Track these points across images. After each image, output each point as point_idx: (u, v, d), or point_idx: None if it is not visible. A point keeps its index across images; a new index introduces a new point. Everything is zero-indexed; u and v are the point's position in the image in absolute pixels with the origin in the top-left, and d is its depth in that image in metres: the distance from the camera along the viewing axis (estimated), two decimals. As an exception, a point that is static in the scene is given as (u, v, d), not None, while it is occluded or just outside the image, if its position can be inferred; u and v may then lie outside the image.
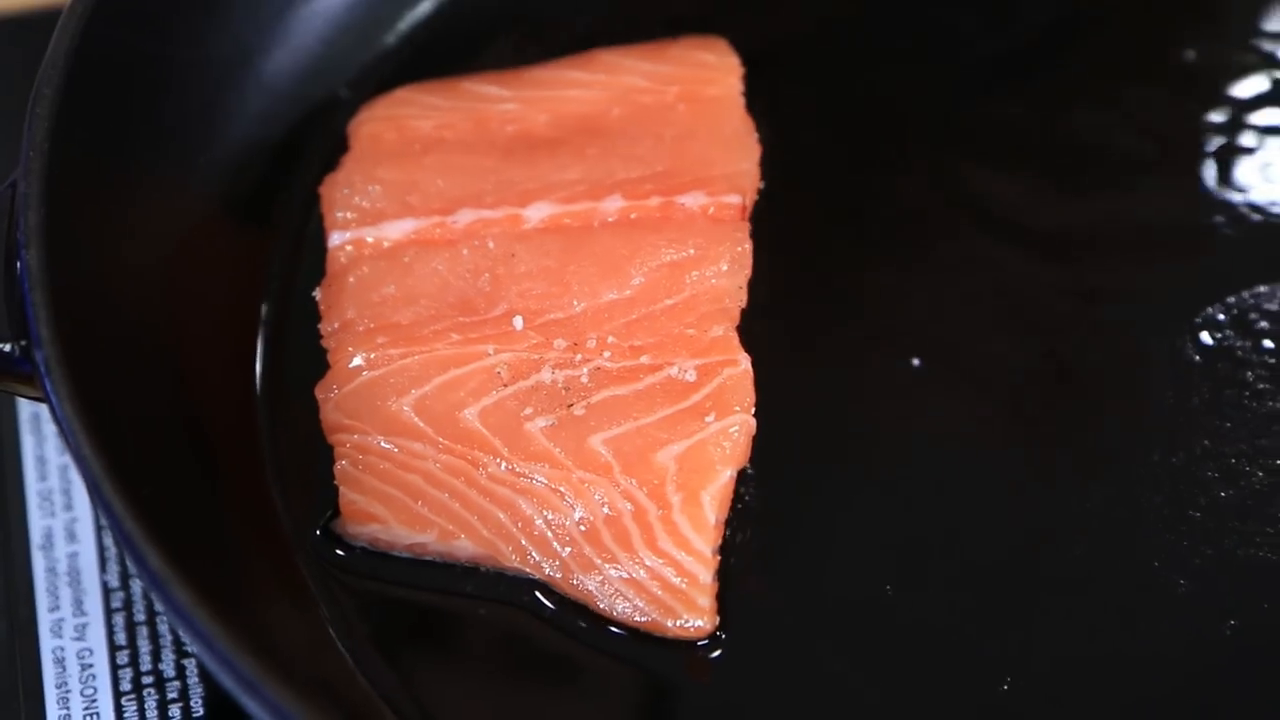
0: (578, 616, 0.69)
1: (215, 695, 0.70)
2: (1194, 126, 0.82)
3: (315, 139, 0.80)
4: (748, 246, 0.74)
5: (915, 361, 0.75)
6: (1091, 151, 0.82)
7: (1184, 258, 0.78)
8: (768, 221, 0.78)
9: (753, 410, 0.70)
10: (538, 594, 0.69)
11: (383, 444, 0.69)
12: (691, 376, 0.70)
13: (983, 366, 0.75)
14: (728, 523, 0.70)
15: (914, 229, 0.79)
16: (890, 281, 0.78)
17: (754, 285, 0.75)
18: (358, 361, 0.70)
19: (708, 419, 0.69)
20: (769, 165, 0.79)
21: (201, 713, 0.70)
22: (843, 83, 0.84)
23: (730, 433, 0.69)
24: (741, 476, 0.71)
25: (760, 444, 0.71)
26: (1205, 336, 0.74)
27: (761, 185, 0.78)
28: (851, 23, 0.86)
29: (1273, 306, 0.75)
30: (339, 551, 0.70)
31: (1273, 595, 0.69)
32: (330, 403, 0.70)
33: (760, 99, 0.81)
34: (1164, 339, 0.75)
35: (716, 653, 0.68)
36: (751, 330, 0.74)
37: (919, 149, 0.82)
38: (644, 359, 0.70)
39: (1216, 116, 0.82)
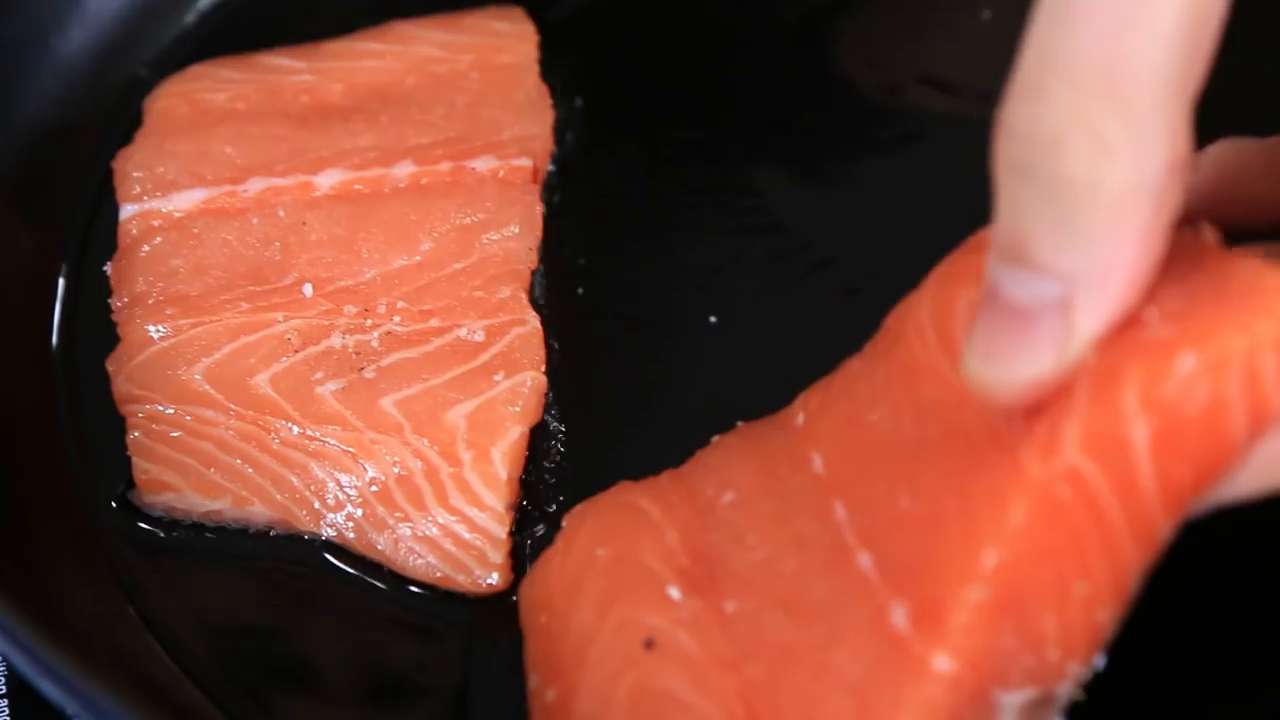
0: (373, 576, 0.69)
1: (16, 672, 0.70)
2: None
3: (113, 119, 0.80)
4: (538, 209, 0.75)
5: (711, 319, 0.76)
6: (884, 120, 0.83)
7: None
8: (566, 187, 0.79)
9: (543, 368, 0.71)
10: (334, 555, 0.69)
11: (174, 413, 0.70)
12: (480, 337, 0.71)
13: (777, 324, 0.76)
14: (525, 480, 0.71)
15: (710, 194, 0.80)
16: (686, 244, 0.78)
17: (552, 250, 0.76)
18: (148, 333, 0.71)
19: (497, 377, 0.70)
20: (567, 132, 0.80)
21: (3, 690, 0.70)
22: (643, 51, 0.85)
23: (520, 391, 0.70)
24: (542, 434, 0.72)
25: (560, 402, 0.72)
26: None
27: (556, 151, 0.79)
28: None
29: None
30: (138, 523, 0.70)
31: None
32: (121, 375, 0.71)
33: (559, 67, 0.82)
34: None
35: (512, 602, 0.68)
36: (550, 293, 0.75)
37: (718, 116, 0.83)
38: (433, 322, 0.71)
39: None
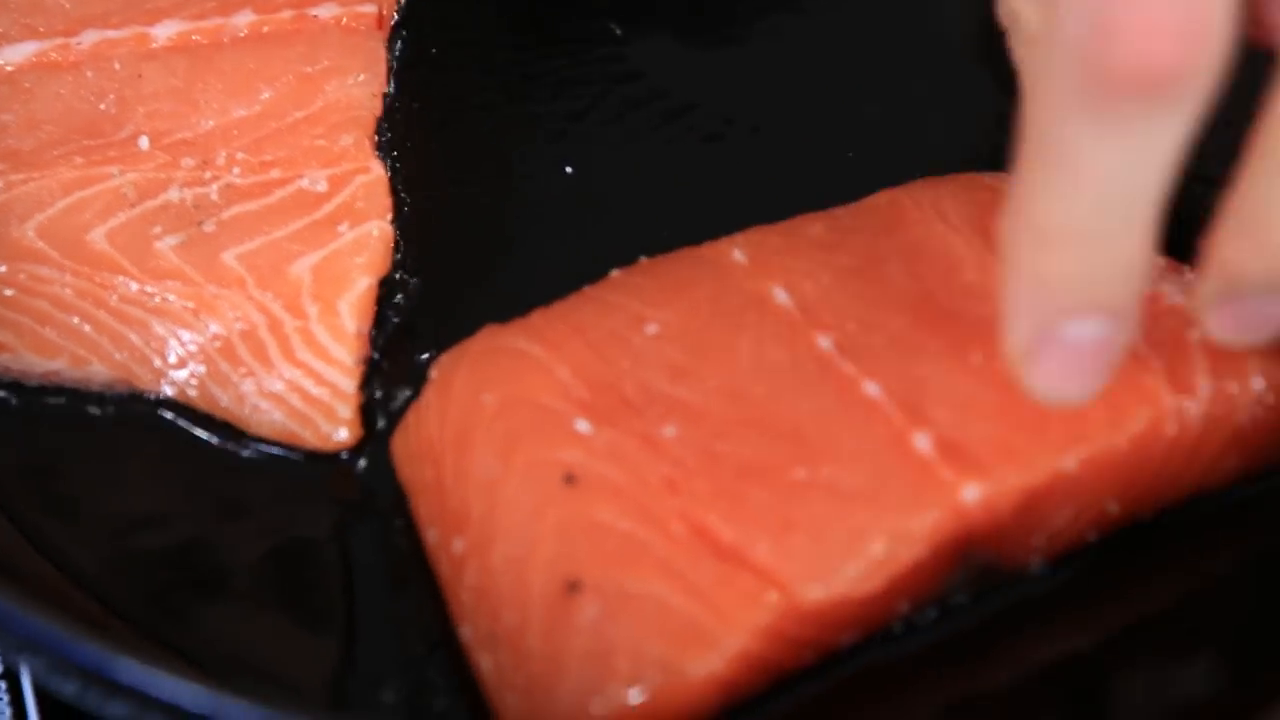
0: (218, 434, 0.67)
1: None
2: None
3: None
4: (383, 56, 0.73)
5: (568, 169, 0.75)
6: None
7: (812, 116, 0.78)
8: (415, 36, 0.77)
9: (389, 217, 0.69)
10: (176, 415, 0.68)
11: (7, 271, 0.67)
12: (323, 187, 0.69)
13: (635, 172, 0.75)
14: (376, 334, 0.69)
15: (565, 43, 0.79)
16: (541, 93, 0.77)
17: (402, 100, 0.74)
18: (-25, 187, 0.68)
19: (341, 228, 0.68)
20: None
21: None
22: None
23: (366, 241, 0.68)
24: (392, 288, 0.70)
25: (411, 255, 0.71)
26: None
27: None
28: None
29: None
30: (-23, 386, 0.69)
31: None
32: (-49, 232, 0.68)
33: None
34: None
35: (362, 463, 0.67)
36: (399, 144, 0.74)
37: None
38: (274, 173, 0.69)
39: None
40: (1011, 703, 0.60)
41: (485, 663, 0.56)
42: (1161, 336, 0.59)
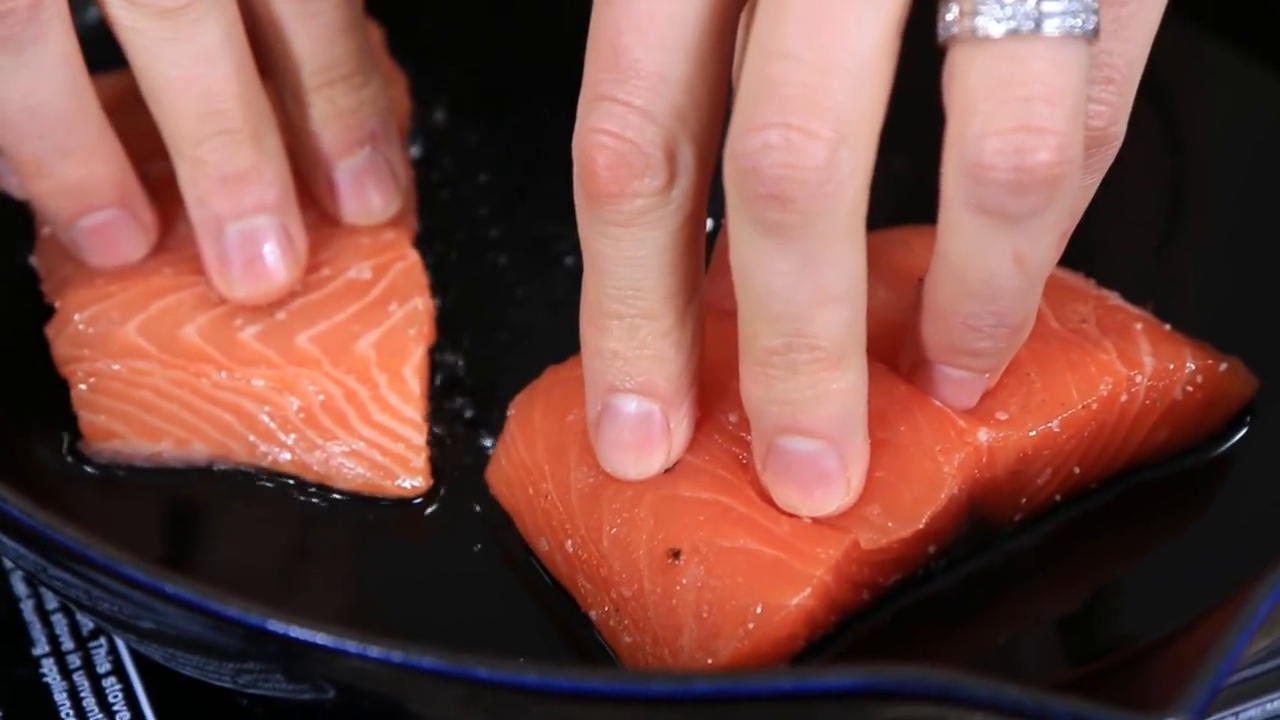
0: (303, 493, 0.77)
1: None
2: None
3: None
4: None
5: (568, 260, 0.86)
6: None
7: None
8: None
9: (429, 294, 0.81)
10: (266, 480, 0.78)
11: (113, 367, 0.77)
12: (368, 275, 0.80)
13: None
14: (433, 394, 0.80)
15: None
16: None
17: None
18: (82, 299, 0.78)
19: (391, 307, 0.80)
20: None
21: None
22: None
23: (415, 315, 0.80)
24: (440, 350, 0.82)
25: (448, 325, 0.82)
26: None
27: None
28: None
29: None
30: (88, 469, 0.78)
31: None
32: (62, 338, 0.78)
33: (400, 38, 0.92)
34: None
35: (431, 509, 0.77)
36: (435, 225, 0.86)
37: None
38: (325, 271, 0.81)
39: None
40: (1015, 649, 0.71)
41: (618, 637, 0.67)
42: (1111, 325, 0.73)
